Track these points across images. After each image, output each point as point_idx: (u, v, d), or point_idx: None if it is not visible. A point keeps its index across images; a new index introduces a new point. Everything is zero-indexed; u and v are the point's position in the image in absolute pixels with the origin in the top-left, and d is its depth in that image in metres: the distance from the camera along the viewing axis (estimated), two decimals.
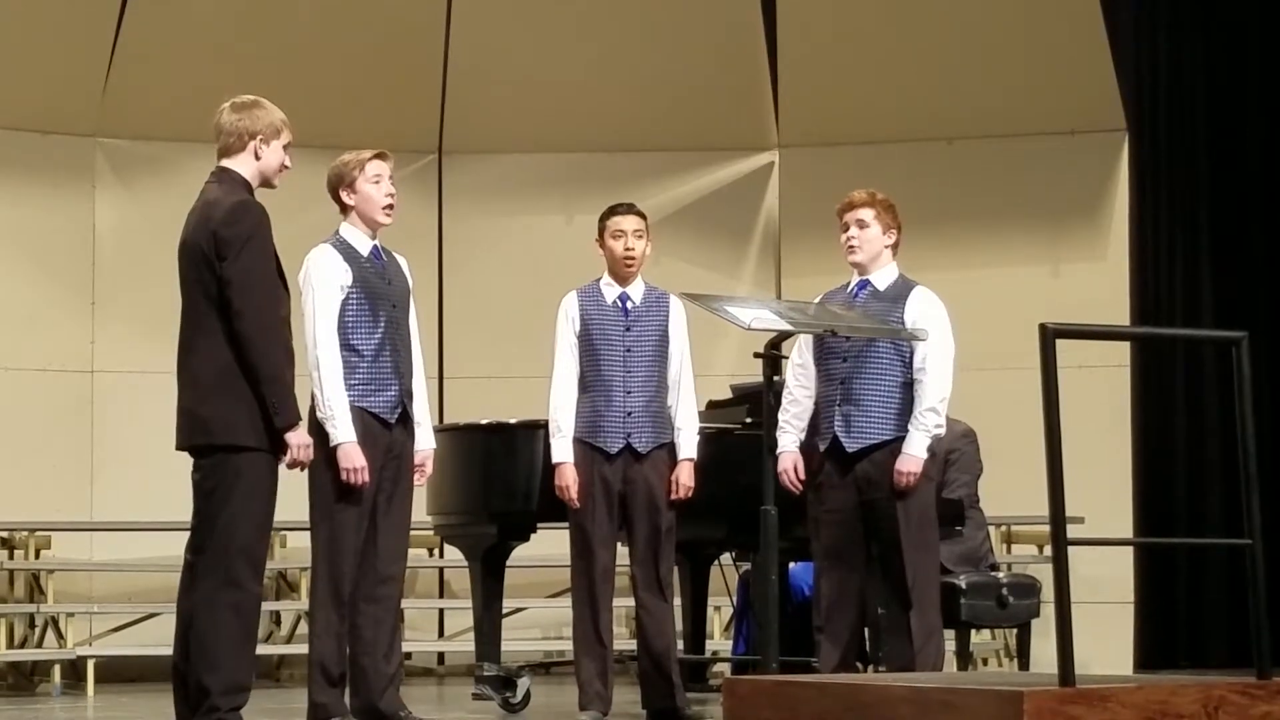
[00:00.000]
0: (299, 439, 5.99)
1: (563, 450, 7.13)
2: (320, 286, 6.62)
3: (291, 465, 6.04)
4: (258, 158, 6.12)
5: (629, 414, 7.12)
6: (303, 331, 6.53)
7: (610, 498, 7.12)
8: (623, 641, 8.87)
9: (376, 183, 6.74)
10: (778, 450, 6.91)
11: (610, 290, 7.25)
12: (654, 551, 7.15)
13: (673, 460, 7.16)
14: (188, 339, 6.04)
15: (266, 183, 6.18)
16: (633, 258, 7.22)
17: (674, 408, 7.21)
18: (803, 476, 6.93)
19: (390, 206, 6.76)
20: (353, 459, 6.50)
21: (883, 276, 7.01)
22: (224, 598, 5.89)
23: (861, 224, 7.00)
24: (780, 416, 6.98)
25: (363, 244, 6.73)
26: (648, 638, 7.19)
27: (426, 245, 11.49)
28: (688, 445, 7.19)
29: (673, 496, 7.13)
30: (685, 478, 7.15)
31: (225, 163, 6.14)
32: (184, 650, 6.01)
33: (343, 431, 6.51)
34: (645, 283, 7.31)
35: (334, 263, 6.66)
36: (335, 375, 6.55)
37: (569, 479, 7.11)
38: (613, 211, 7.31)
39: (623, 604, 8.25)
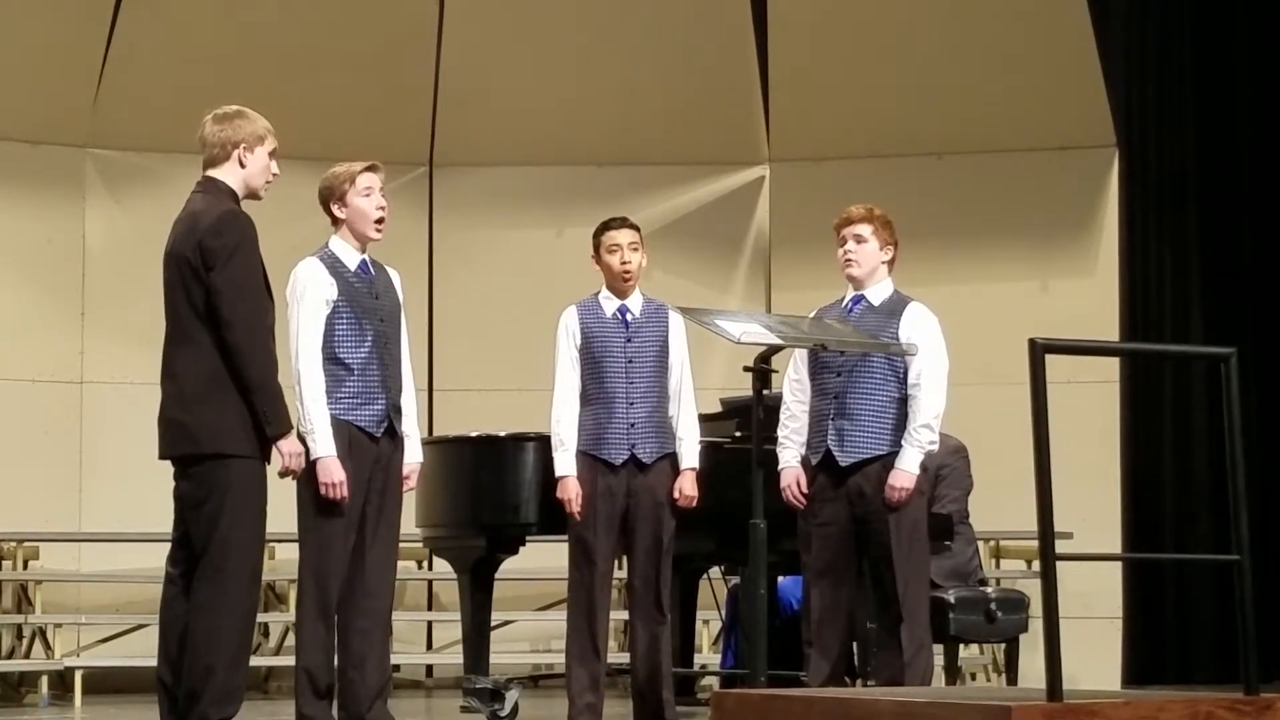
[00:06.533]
0: (290, 447, 6.01)
1: (565, 464, 7.15)
2: (305, 300, 6.62)
3: (283, 474, 6.05)
4: (242, 166, 6.13)
5: (632, 425, 7.13)
6: (286, 343, 6.52)
7: (613, 509, 7.14)
8: (613, 655, 8.87)
9: (367, 196, 6.73)
10: (780, 466, 6.92)
11: (609, 303, 7.27)
12: (655, 566, 7.17)
13: (675, 470, 7.19)
14: (172, 348, 6.05)
15: (253, 193, 6.18)
16: (629, 271, 7.24)
17: (675, 418, 7.23)
18: (805, 491, 6.93)
19: (381, 220, 6.76)
20: (331, 473, 6.49)
21: (878, 292, 7.02)
22: (220, 607, 5.90)
23: (859, 239, 7.01)
24: (780, 433, 6.99)
25: (351, 258, 6.72)
26: (643, 654, 7.20)
27: (417, 258, 11.49)
28: (690, 455, 7.22)
29: (677, 504, 7.15)
30: (689, 487, 7.17)
31: (211, 173, 6.15)
32: (168, 662, 6.02)
33: (322, 446, 6.50)
34: (643, 295, 7.32)
35: (320, 276, 6.65)
36: (317, 389, 6.54)
37: (572, 492, 7.11)
38: (607, 226, 7.33)
39: (615, 617, 8.26)
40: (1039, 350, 4.20)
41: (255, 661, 10.28)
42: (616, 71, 11.58)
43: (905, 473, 6.79)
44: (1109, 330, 10.87)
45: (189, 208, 6.12)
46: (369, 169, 6.76)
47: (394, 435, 6.70)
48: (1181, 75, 11.31)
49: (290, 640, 9.98)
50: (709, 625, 10.46)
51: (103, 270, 11.19)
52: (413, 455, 6.81)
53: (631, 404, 7.16)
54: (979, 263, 11.38)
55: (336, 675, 6.65)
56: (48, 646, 10.54)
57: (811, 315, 7.08)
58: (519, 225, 11.78)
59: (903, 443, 6.82)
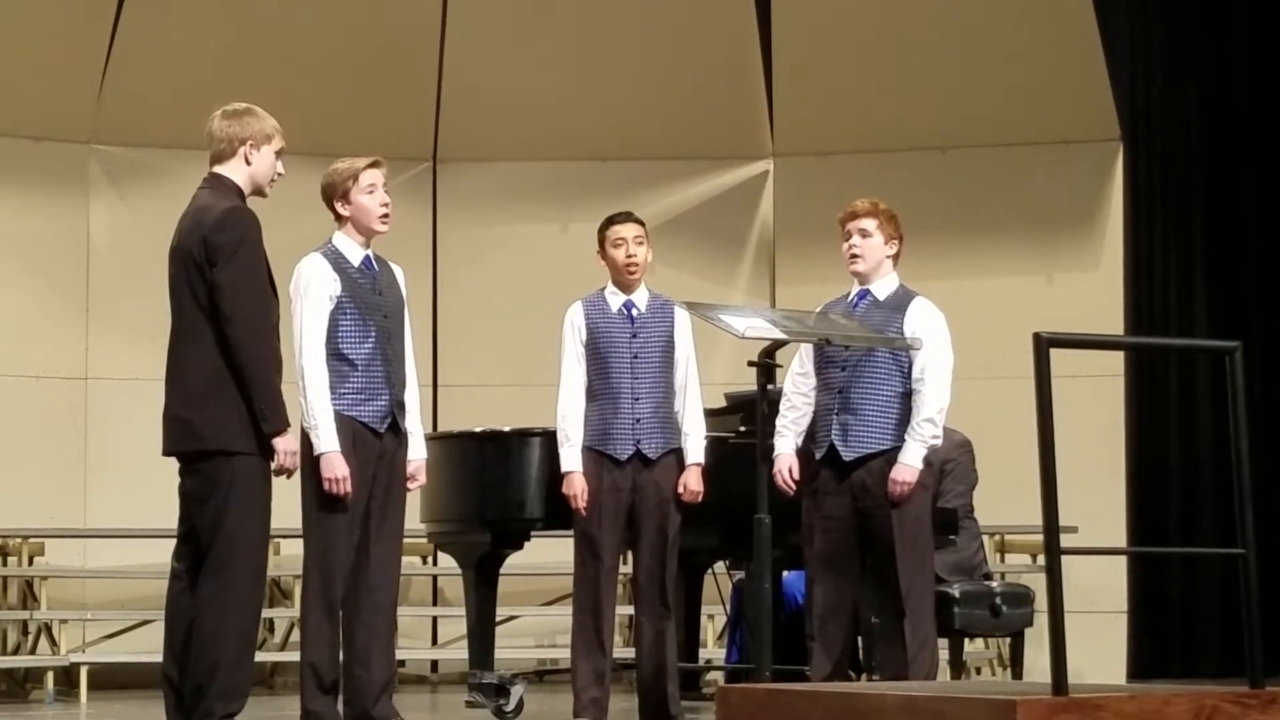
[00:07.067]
0: (286, 445, 6.00)
1: (571, 459, 7.15)
2: (308, 296, 6.61)
3: (278, 472, 6.05)
4: (248, 163, 6.14)
5: (638, 420, 7.14)
6: (290, 340, 6.52)
7: (618, 505, 7.14)
8: (618, 650, 8.87)
9: (371, 192, 6.72)
10: (774, 453, 6.92)
11: (615, 299, 7.27)
12: (660, 561, 7.17)
13: (681, 465, 7.19)
14: (177, 344, 6.05)
15: (259, 191, 6.19)
16: (635, 265, 7.24)
17: (680, 413, 7.23)
18: (797, 478, 6.93)
19: (386, 215, 6.75)
20: (334, 469, 6.48)
21: (883, 286, 7.01)
22: (225, 603, 5.90)
23: (864, 233, 7.00)
24: (778, 421, 6.98)
25: (354, 253, 6.72)
26: (648, 649, 7.20)
27: (421, 253, 11.50)
28: (695, 450, 7.22)
29: (683, 499, 7.16)
30: (694, 482, 7.18)
31: (217, 169, 6.17)
32: (173, 658, 6.02)
33: (326, 441, 6.50)
34: (649, 290, 7.33)
35: (323, 272, 6.65)
36: (320, 385, 6.53)
37: (578, 487, 7.12)
38: (611, 221, 7.33)
39: (620, 613, 8.25)
40: (1044, 344, 4.20)
41: (260, 657, 10.30)
42: (620, 66, 11.58)
43: (908, 467, 6.79)
44: (1114, 324, 10.87)
45: (194, 203, 6.12)
46: (372, 165, 6.75)
47: (398, 431, 6.70)
48: (1186, 69, 11.30)
49: (295, 636, 9.99)
50: (714, 620, 10.47)
51: (107, 266, 11.20)
52: (417, 451, 6.80)
53: (637, 399, 7.16)
54: (984, 257, 11.38)
55: (342, 670, 6.65)
56: (53, 642, 10.55)
57: (817, 310, 7.08)
58: (523, 220, 11.79)
59: (906, 437, 6.81)
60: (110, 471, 10.92)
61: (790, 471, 6.94)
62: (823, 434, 6.91)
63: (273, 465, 6.03)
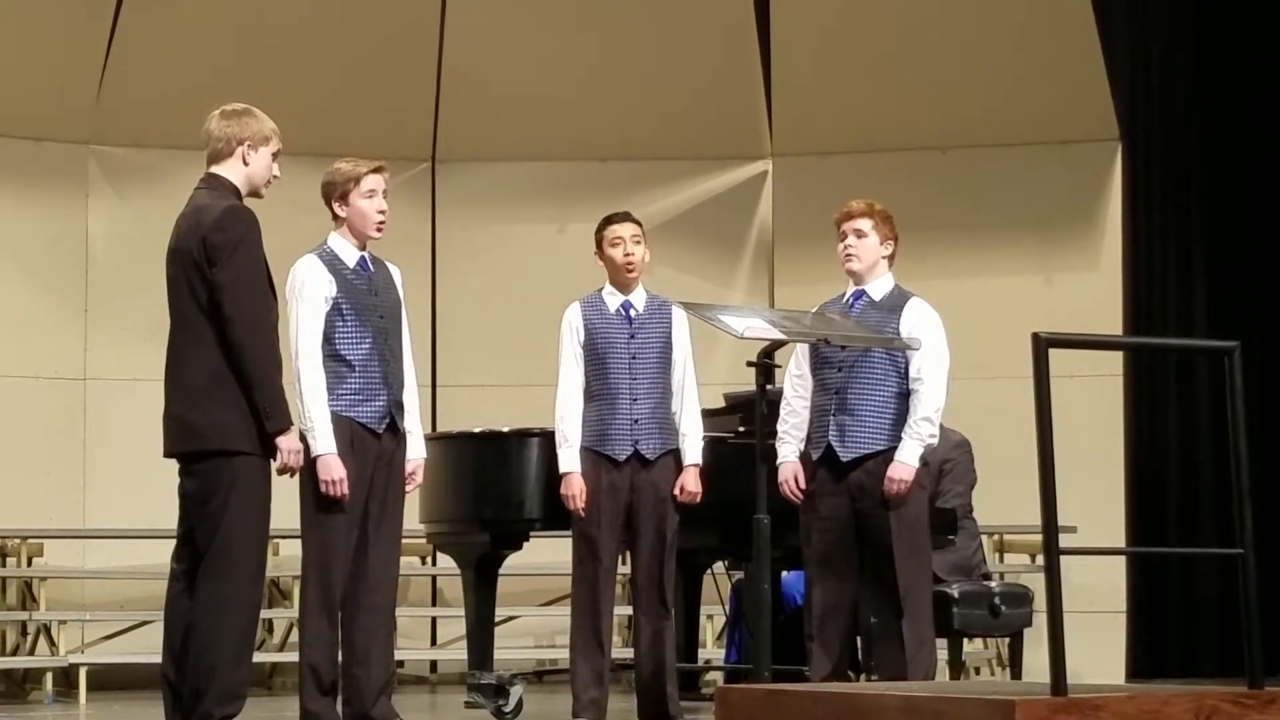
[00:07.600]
0: (289, 444, 6.00)
1: (569, 460, 7.14)
2: (304, 298, 6.61)
3: (281, 471, 6.04)
4: (245, 164, 6.12)
5: (636, 421, 7.13)
6: (287, 341, 6.52)
7: (617, 505, 7.13)
8: (617, 651, 8.87)
9: (370, 197, 6.71)
10: (778, 461, 6.92)
11: (613, 299, 7.26)
12: (659, 561, 7.17)
13: (679, 466, 7.18)
14: (177, 345, 6.04)
15: (254, 192, 6.18)
16: (633, 264, 7.24)
17: (678, 414, 7.23)
18: (803, 486, 6.93)
19: (382, 223, 6.74)
20: (332, 470, 6.48)
21: (878, 287, 7.02)
22: (224, 604, 5.89)
23: (859, 234, 7.00)
24: (779, 427, 6.99)
25: (350, 255, 6.71)
26: (647, 649, 7.20)
27: (420, 253, 11.49)
28: (693, 451, 7.21)
29: (680, 499, 7.16)
30: (691, 483, 7.17)
31: (214, 169, 6.15)
32: (173, 659, 6.01)
33: (322, 443, 6.49)
34: (646, 290, 7.32)
35: (318, 273, 6.64)
36: (316, 386, 6.53)
37: (576, 488, 7.11)
38: (609, 221, 7.33)
39: (619, 613, 8.26)
40: (1042, 344, 4.20)
41: (259, 657, 10.30)
42: (619, 66, 11.58)
43: (904, 465, 6.79)
44: (1113, 324, 10.87)
45: (193, 203, 6.12)
46: (375, 171, 6.73)
47: (396, 431, 6.70)
48: (1185, 68, 11.30)
49: (294, 636, 9.98)
50: (713, 620, 10.47)
51: (106, 267, 11.20)
52: (415, 451, 6.80)
53: (635, 400, 7.16)
54: (983, 257, 11.38)
55: (341, 671, 6.65)
56: (52, 643, 10.55)
57: (814, 310, 7.08)
58: (522, 220, 11.79)
59: (902, 435, 6.82)
60: (109, 472, 10.92)
61: (796, 480, 6.94)
62: (819, 435, 6.91)
63: (275, 464, 6.03)
